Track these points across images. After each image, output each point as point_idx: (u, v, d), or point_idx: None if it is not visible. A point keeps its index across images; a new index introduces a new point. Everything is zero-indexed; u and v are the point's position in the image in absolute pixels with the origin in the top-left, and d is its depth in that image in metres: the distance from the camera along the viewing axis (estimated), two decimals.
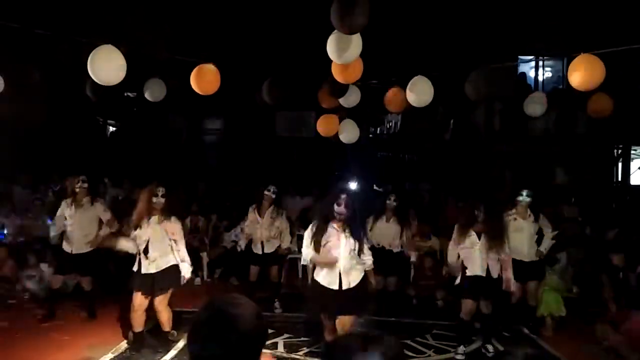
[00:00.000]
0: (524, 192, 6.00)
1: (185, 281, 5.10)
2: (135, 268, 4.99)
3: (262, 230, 6.56)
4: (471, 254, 5.17)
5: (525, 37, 10.86)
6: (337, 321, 4.41)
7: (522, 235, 5.92)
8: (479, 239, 5.14)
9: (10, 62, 6.45)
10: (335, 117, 7.25)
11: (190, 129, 13.53)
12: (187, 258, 5.11)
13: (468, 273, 5.20)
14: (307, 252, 4.43)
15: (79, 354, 4.94)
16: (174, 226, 5.04)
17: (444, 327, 5.98)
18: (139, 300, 4.97)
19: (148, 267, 4.92)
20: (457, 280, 5.37)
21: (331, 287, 4.33)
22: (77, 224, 5.91)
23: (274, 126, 12.70)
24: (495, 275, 5.14)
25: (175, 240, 5.01)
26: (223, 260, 8.38)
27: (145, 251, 4.90)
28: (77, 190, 5.91)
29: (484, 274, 5.12)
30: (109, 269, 6.89)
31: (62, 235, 5.99)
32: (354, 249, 4.33)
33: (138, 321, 5.07)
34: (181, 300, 5.59)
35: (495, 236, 5.12)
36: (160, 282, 4.96)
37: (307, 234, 4.46)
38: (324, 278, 4.38)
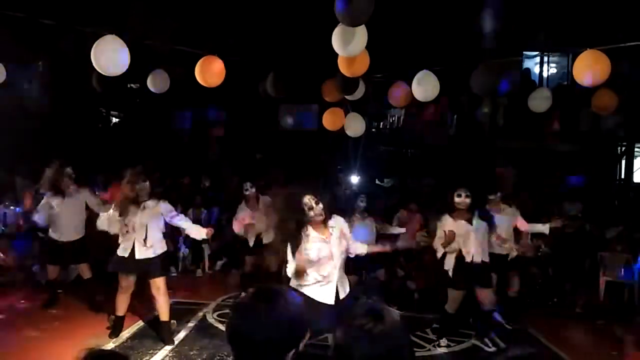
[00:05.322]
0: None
1: (207, 236, 5.17)
2: (121, 253, 4.97)
3: (258, 223, 6.56)
4: (467, 243, 5.05)
5: (530, 33, 10.80)
6: None
7: (502, 226, 5.82)
8: (471, 223, 5.05)
9: (14, 52, 6.44)
10: (341, 110, 7.24)
11: (193, 121, 13.51)
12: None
13: (466, 259, 5.05)
14: (292, 266, 3.75)
15: (81, 343, 4.93)
16: (167, 206, 5.10)
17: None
18: (128, 284, 5.05)
19: (145, 252, 4.95)
20: (445, 266, 5.14)
21: (327, 302, 3.77)
22: (64, 213, 5.88)
23: (277, 119, 12.69)
24: (487, 259, 5.13)
25: (173, 217, 5.10)
26: (225, 252, 8.40)
27: (144, 237, 4.93)
28: (64, 178, 5.87)
29: (480, 260, 5.05)
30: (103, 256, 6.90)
31: (50, 224, 5.97)
32: (346, 247, 3.94)
33: (123, 304, 5.15)
34: (182, 291, 5.64)
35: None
36: (155, 267, 5.01)
37: (289, 251, 3.77)
38: (318, 292, 3.77)
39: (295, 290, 3.66)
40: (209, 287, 7.46)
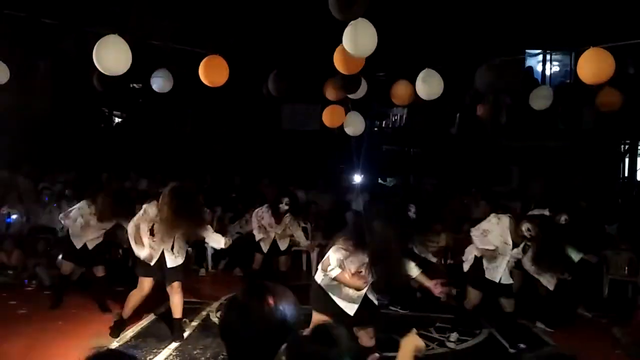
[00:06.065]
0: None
1: (225, 246, 5.22)
2: (149, 260, 4.96)
3: (275, 231, 6.56)
4: (496, 260, 4.99)
5: (533, 31, 10.77)
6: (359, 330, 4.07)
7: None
8: (524, 252, 4.96)
9: (17, 51, 6.45)
10: (341, 108, 7.23)
11: (195, 121, 13.51)
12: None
13: (485, 274, 5.04)
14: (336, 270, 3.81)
15: (85, 342, 4.96)
16: None
17: (448, 320, 5.95)
18: (149, 286, 5.10)
19: (175, 260, 5.03)
20: (465, 268, 5.28)
21: (349, 312, 3.92)
22: (94, 227, 5.84)
23: (279, 119, 12.68)
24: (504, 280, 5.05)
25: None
26: (227, 252, 8.38)
27: (172, 247, 5.01)
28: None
29: (497, 280, 5.02)
30: (116, 257, 6.94)
31: (73, 230, 5.86)
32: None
33: (133, 307, 5.16)
34: (185, 291, 5.62)
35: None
36: (179, 273, 5.10)
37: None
38: (349, 307, 3.91)
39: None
40: (212, 286, 7.46)
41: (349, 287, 3.85)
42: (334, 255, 3.81)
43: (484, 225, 5.12)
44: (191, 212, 4.87)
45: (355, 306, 3.92)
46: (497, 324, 5.63)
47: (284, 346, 1.57)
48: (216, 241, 5.19)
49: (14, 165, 9.13)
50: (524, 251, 4.99)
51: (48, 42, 6.99)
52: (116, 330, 5.22)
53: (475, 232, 5.12)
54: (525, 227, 4.88)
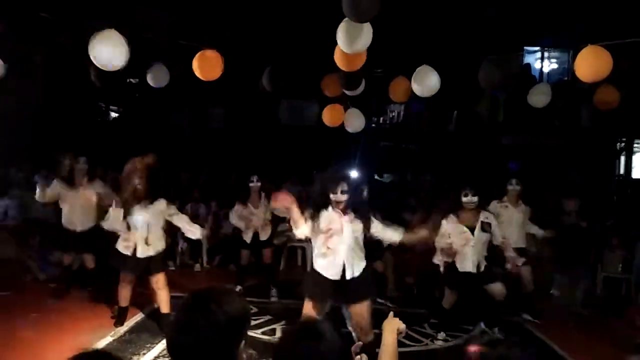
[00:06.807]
0: (513, 181, 6.19)
1: (201, 237, 5.27)
2: (124, 250, 4.99)
3: (256, 219, 6.61)
4: (463, 250, 5.09)
5: (531, 28, 10.77)
6: (352, 310, 4.19)
7: (512, 222, 6.03)
8: (473, 234, 5.07)
9: (13, 45, 6.41)
10: (340, 107, 7.23)
11: (192, 116, 13.47)
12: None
13: (459, 268, 5.14)
14: (304, 229, 4.07)
15: (79, 337, 4.96)
16: (168, 205, 5.13)
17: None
18: (130, 279, 5.13)
19: (147, 250, 4.98)
20: (442, 269, 5.34)
21: (333, 279, 4.07)
22: (77, 204, 5.99)
23: (276, 114, 12.65)
24: (482, 268, 5.13)
25: (172, 215, 5.12)
26: (222, 247, 8.39)
27: (146, 235, 4.95)
28: (77, 170, 5.97)
29: (474, 270, 5.09)
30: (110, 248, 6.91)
31: (61, 214, 6.08)
32: (360, 234, 4.10)
33: (125, 296, 5.22)
34: (180, 286, 5.62)
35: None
36: (155, 264, 5.07)
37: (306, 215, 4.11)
38: (326, 269, 4.09)
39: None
40: (207, 281, 7.45)
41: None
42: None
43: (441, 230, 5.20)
44: (160, 182, 5.02)
45: (336, 271, 4.03)
46: (486, 318, 5.63)
47: (242, 343, 1.56)
48: (191, 232, 5.14)
49: (7, 159, 9.09)
50: (483, 229, 5.10)
51: (45, 36, 6.93)
52: (120, 319, 5.28)
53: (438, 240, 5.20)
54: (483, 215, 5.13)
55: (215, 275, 7.86)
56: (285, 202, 4.03)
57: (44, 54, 8.27)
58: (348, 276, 4.05)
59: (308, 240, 7.07)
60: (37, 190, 5.88)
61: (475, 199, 5.07)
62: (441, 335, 5.39)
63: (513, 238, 5.81)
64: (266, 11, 9.67)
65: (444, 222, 5.17)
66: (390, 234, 4.21)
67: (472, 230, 5.09)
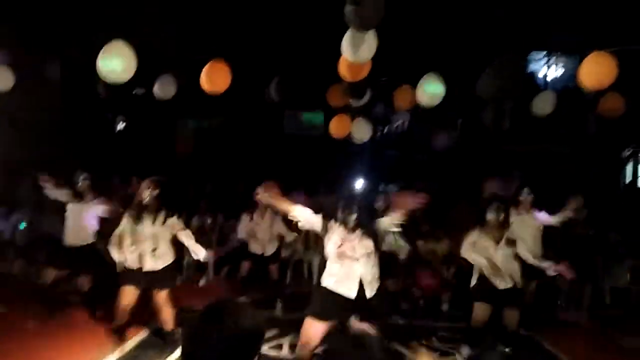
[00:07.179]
0: (525, 190, 6.17)
1: (204, 259, 5.16)
2: (130, 264, 4.87)
3: (261, 231, 6.59)
4: (494, 265, 4.91)
5: (536, 35, 10.76)
6: (353, 324, 4.08)
7: (527, 231, 5.91)
8: (497, 243, 4.92)
9: (22, 57, 6.46)
10: (347, 117, 7.22)
11: (198, 126, 13.52)
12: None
13: (493, 283, 4.92)
14: (304, 213, 4.12)
15: (86, 354, 4.92)
16: (177, 221, 5.03)
17: (449, 329, 5.91)
18: (132, 296, 4.90)
19: (155, 264, 4.88)
20: (473, 281, 5.12)
21: (346, 296, 3.93)
22: (75, 217, 5.87)
23: (282, 124, 12.68)
24: (517, 284, 4.94)
25: (180, 231, 5.01)
26: (229, 259, 8.36)
27: (153, 248, 4.87)
28: (80, 185, 5.91)
29: (506, 286, 4.88)
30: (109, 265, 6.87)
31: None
32: (370, 251, 4.01)
33: (124, 315, 4.99)
34: (188, 298, 5.59)
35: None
36: (161, 279, 4.93)
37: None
38: (340, 285, 3.96)
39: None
40: (213, 294, 7.40)
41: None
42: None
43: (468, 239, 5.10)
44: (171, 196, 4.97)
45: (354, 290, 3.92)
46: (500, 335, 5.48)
47: (256, 358, 1.56)
48: (195, 252, 4.97)
49: (17, 173, 9.13)
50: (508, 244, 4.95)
51: (53, 48, 6.99)
52: (118, 335, 5.15)
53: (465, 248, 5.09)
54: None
55: (223, 287, 7.80)
56: (269, 191, 4.03)
57: (53, 65, 8.32)
58: (368, 295, 3.96)
59: (315, 249, 7.03)
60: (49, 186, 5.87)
61: (502, 215, 4.96)
62: (465, 349, 5.20)
63: (529, 247, 5.75)
64: (272, 24, 9.72)
65: (470, 235, 5.07)
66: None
67: (498, 244, 4.95)
